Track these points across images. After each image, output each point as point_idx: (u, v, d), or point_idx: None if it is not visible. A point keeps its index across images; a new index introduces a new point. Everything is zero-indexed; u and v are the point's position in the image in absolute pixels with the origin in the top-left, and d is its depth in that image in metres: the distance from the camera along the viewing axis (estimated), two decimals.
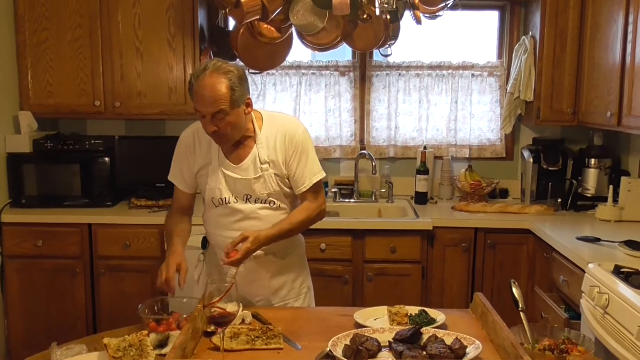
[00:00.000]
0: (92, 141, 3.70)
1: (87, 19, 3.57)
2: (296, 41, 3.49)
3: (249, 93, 2.13)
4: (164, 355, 1.72)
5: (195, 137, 2.25)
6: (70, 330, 3.44)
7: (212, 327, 1.82)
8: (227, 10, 3.24)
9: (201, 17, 3.67)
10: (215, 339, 1.81)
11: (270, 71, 3.90)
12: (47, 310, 3.51)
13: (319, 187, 2.30)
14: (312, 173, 2.25)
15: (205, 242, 2.44)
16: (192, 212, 2.40)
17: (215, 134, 2.09)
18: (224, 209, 2.23)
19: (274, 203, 2.24)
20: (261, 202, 2.22)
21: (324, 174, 2.31)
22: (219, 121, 2.05)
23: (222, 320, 1.70)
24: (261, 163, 2.19)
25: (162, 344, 1.84)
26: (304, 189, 2.25)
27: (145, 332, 1.79)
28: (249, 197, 2.21)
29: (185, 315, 2.01)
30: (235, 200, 2.22)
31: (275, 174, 2.21)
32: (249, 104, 2.14)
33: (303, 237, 2.46)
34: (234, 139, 2.16)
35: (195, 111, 2.09)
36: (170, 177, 2.34)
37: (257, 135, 2.21)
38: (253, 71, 3.61)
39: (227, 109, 2.04)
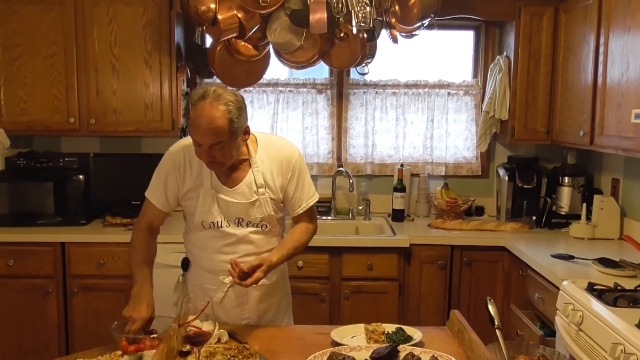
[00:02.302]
0: (66, 159, 3.66)
1: (61, 35, 3.54)
2: (273, 59, 3.50)
3: (247, 121, 2.09)
4: None
5: (186, 156, 2.15)
6: (42, 351, 3.38)
7: (188, 347, 1.79)
8: (204, 27, 3.25)
9: (178, 35, 3.67)
10: (191, 359, 1.78)
11: (247, 89, 3.91)
12: (19, 331, 3.43)
13: (313, 209, 2.31)
14: (309, 196, 2.26)
15: (186, 264, 2.38)
16: (159, 230, 2.31)
17: (210, 162, 2.05)
18: (214, 232, 2.18)
19: (266, 227, 2.21)
20: (253, 226, 2.19)
21: (318, 196, 2.33)
22: (216, 151, 2.00)
23: (198, 339, 1.67)
24: (257, 187, 2.16)
25: None
26: (300, 212, 2.26)
27: (119, 352, 1.76)
28: (240, 220, 2.18)
29: (156, 335, 1.99)
30: (228, 224, 2.17)
31: (271, 198, 2.18)
32: (247, 132, 2.09)
33: None
34: (228, 165, 2.10)
35: (192, 139, 2.02)
36: (148, 194, 2.21)
37: (253, 158, 2.17)
38: (230, 89, 3.60)
39: (226, 141, 1.99)
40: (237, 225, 2.18)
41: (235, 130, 2.00)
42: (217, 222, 2.16)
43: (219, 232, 2.18)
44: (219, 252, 2.18)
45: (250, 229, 2.19)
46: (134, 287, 2.09)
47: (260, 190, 2.16)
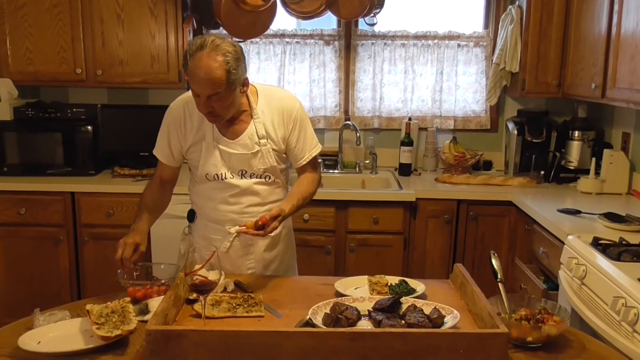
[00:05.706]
0: (74, 110, 3.66)
1: None
2: (280, 9, 3.45)
3: (246, 72, 2.07)
4: (146, 321, 1.73)
5: (186, 111, 2.16)
6: (54, 297, 3.45)
7: (194, 295, 1.83)
8: None
9: None
10: (197, 307, 1.82)
11: (253, 40, 3.86)
12: (31, 278, 3.51)
13: (316, 160, 2.33)
14: (311, 147, 2.27)
15: (192, 215, 2.40)
16: (175, 183, 2.37)
17: (209, 114, 2.05)
18: (218, 183, 2.20)
19: (269, 178, 2.23)
20: (257, 177, 2.21)
21: (321, 147, 2.34)
22: (214, 102, 2.00)
23: (204, 288, 1.70)
24: (259, 138, 2.16)
25: (143, 311, 1.85)
26: (304, 163, 2.27)
27: (127, 299, 1.79)
28: (244, 172, 2.19)
29: (163, 281, 2.03)
30: (232, 176, 2.19)
31: (273, 149, 2.19)
32: (245, 84, 2.09)
33: None
34: (227, 117, 2.11)
35: (190, 89, 2.03)
36: (155, 152, 2.27)
37: (254, 109, 2.17)
38: (236, 40, 3.56)
39: (223, 92, 1.98)
40: (241, 177, 2.19)
41: (233, 82, 1.99)
42: (221, 173, 2.18)
43: (223, 183, 2.19)
44: (224, 203, 2.21)
45: (254, 180, 2.21)
46: (132, 225, 2.21)
47: (262, 141, 2.17)
